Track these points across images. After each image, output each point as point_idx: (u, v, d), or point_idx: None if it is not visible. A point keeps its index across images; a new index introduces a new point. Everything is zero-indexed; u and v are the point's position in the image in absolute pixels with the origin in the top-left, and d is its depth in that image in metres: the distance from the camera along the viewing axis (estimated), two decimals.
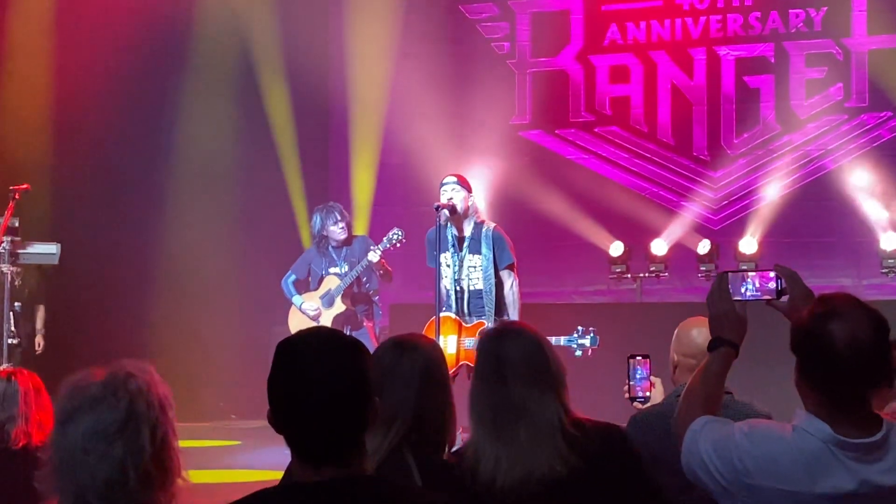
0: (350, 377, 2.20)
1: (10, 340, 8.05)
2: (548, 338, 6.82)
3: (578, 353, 6.89)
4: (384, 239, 8.04)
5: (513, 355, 2.92)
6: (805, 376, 2.48)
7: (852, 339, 2.39)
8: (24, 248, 8.00)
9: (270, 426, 2.22)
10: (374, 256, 7.99)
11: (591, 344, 6.93)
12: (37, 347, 10.11)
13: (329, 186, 11.85)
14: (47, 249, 8.14)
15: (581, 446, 2.86)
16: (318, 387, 2.16)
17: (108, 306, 10.82)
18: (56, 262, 8.91)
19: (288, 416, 2.19)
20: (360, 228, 10.97)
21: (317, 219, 8.51)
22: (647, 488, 2.98)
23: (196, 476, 8.10)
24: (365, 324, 8.43)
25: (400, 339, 3.10)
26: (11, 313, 8.64)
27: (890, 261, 10.55)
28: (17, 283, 9.98)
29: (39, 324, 10.05)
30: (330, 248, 8.45)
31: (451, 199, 7.26)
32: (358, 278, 8.27)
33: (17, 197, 7.96)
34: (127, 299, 11.16)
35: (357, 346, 2.25)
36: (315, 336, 2.27)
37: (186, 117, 11.47)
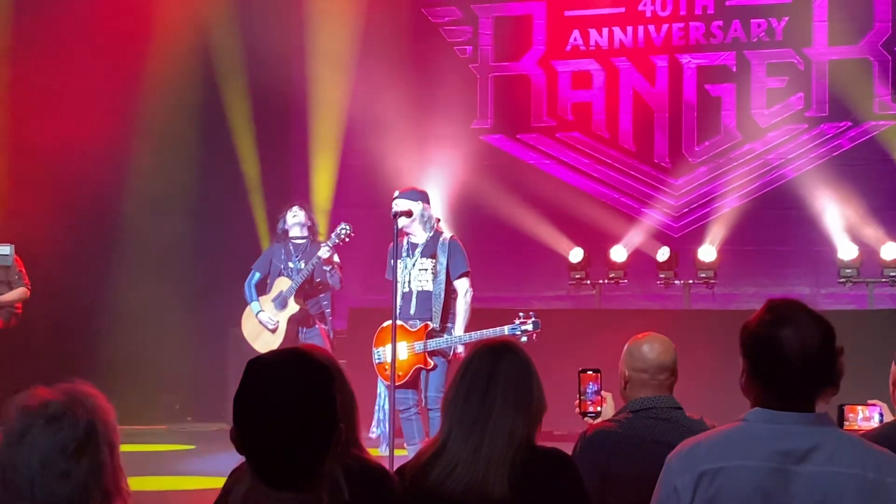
0: (318, 404, 2.18)
1: None
2: (492, 329, 7.20)
3: (524, 339, 7.02)
4: (332, 235, 8.00)
5: (505, 375, 3.00)
6: (753, 377, 2.46)
7: (802, 346, 2.39)
8: None
9: (232, 443, 2.19)
10: (324, 252, 7.93)
11: (533, 328, 7.08)
12: None
13: (289, 188, 11.76)
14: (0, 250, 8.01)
15: (530, 472, 2.91)
16: (285, 414, 2.14)
17: (62, 308, 10.68)
18: (9, 262, 8.79)
19: (251, 439, 2.17)
20: (321, 231, 10.89)
21: (283, 212, 8.52)
22: None
23: (149, 483, 7.93)
24: (318, 325, 8.34)
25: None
26: None
27: (847, 270, 10.61)
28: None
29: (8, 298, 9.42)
30: (290, 243, 8.40)
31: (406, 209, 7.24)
32: (310, 277, 8.19)
33: None
34: (81, 301, 11.03)
35: (326, 370, 2.23)
36: (285, 360, 2.23)
37: (145, 115, 11.35)
